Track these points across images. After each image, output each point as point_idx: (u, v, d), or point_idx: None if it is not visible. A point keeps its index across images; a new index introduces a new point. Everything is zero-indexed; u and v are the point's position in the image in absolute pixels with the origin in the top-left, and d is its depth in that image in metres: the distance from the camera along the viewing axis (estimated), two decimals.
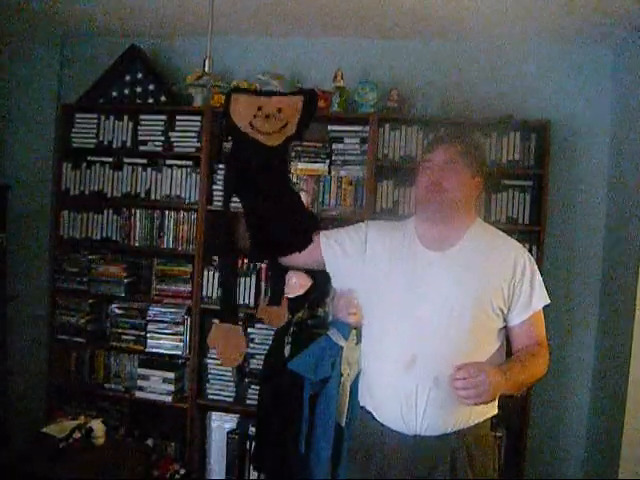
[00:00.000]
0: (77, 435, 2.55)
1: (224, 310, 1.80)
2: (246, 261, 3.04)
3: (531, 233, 2.80)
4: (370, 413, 1.68)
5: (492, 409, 1.64)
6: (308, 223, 1.82)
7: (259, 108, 1.56)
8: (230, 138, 1.66)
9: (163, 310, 3.13)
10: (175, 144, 3.11)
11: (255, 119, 1.56)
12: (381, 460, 1.62)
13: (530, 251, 2.63)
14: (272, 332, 2.79)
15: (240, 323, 1.77)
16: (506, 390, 1.51)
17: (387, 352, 1.63)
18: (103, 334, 3.23)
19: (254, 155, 1.62)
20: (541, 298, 1.65)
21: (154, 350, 3.14)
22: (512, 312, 1.64)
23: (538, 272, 1.66)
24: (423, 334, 1.57)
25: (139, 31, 3.22)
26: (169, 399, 3.10)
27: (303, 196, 2.96)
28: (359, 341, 2.35)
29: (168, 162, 3.15)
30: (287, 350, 2.47)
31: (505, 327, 1.66)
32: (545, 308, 1.68)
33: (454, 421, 1.57)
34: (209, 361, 3.09)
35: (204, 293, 3.07)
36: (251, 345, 3.05)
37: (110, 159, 3.20)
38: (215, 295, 3.06)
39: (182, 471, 3.03)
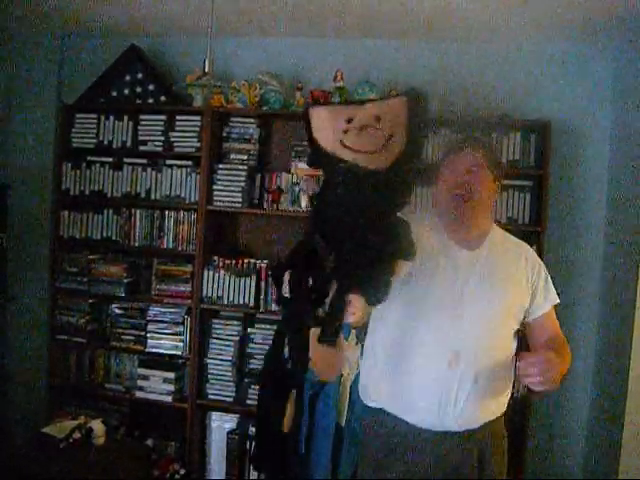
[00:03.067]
0: (77, 435, 2.55)
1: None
2: (246, 261, 3.05)
3: (531, 233, 2.80)
4: (390, 414, 1.66)
5: (504, 405, 1.72)
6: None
7: (349, 120, 1.16)
8: (320, 170, 1.25)
9: (163, 310, 3.13)
10: (175, 144, 3.11)
11: (346, 135, 1.16)
12: (408, 459, 1.63)
13: None
14: (272, 332, 2.80)
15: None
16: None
17: (427, 350, 1.61)
18: (103, 334, 3.23)
19: (353, 184, 1.18)
20: (554, 293, 1.74)
21: (154, 350, 3.14)
22: (531, 308, 1.70)
23: (547, 271, 1.75)
24: (463, 332, 1.59)
25: (139, 31, 3.22)
26: (169, 399, 3.10)
27: (303, 196, 2.96)
28: (359, 341, 2.35)
29: (168, 162, 3.14)
30: (287, 350, 2.47)
31: (523, 325, 1.73)
32: None
33: (484, 416, 1.64)
34: (209, 361, 3.08)
35: (204, 293, 3.06)
36: (251, 345, 3.06)
37: (110, 159, 3.20)
38: (215, 295, 3.05)
39: (182, 471, 3.03)
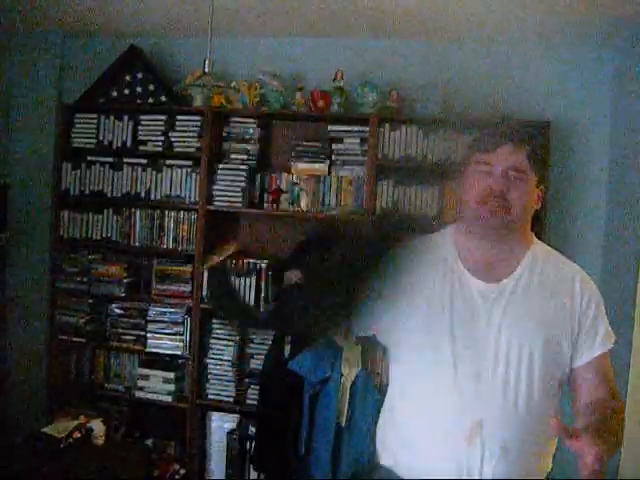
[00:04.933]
0: (77, 435, 2.55)
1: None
2: (246, 261, 3.05)
3: None
4: None
5: (549, 464, 1.36)
6: None
7: None
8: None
9: (163, 310, 3.13)
10: (175, 144, 3.11)
11: None
12: None
13: None
14: (272, 332, 2.80)
15: None
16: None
17: (441, 417, 1.27)
18: (103, 334, 3.23)
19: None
20: (606, 333, 1.34)
21: (154, 350, 3.14)
22: (576, 351, 1.32)
23: (602, 302, 1.37)
24: (487, 394, 1.25)
25: (139, 31, 3.22)
26: (169, 399, 3.10)
27: (303, 196, 2.97)
28: (359, 341, 2.36)
29: (168, 162, 3.14)
30: (287, 350, 2.48)
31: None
32: None
33: None
34: (209, 361, 3.08)
35: (204, 293, 3.06)
36: (251, 345, 3.06)
37: (110, 159, 3.20)
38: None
39: (182, 471, 3.03)
